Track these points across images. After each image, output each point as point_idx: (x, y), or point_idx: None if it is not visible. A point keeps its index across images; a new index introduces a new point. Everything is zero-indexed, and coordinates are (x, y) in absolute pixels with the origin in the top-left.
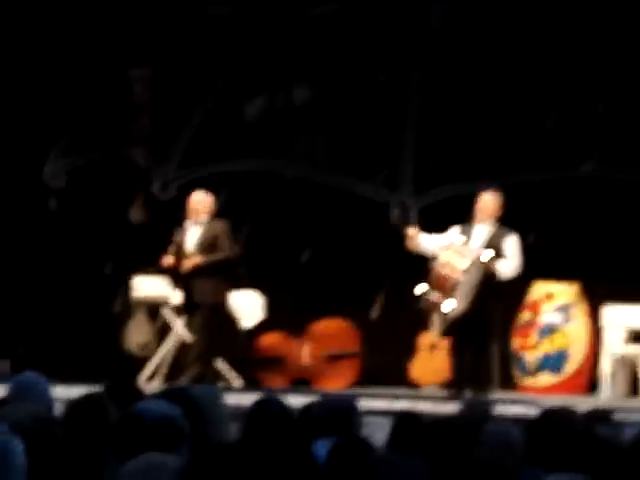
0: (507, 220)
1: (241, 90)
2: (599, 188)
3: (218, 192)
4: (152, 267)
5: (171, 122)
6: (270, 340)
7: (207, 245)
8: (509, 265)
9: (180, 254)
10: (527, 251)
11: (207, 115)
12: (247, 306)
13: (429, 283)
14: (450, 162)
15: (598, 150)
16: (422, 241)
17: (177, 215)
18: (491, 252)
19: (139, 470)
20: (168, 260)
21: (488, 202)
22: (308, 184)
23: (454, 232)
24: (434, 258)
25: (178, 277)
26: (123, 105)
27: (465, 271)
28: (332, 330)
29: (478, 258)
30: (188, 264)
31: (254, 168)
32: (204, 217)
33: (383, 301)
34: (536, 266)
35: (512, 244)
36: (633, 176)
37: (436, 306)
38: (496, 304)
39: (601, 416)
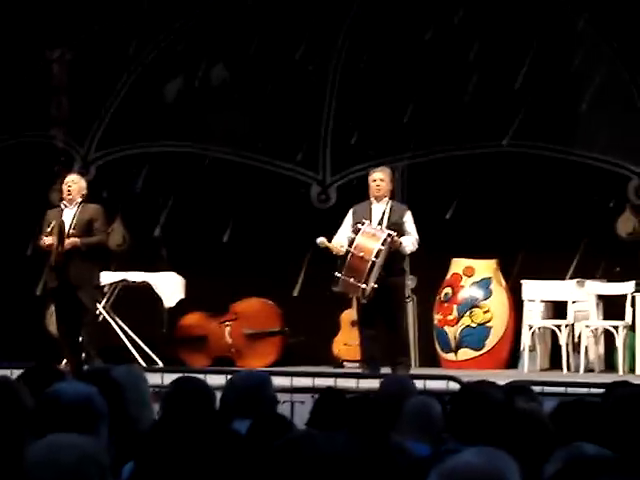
0: (425, 195)
1: (159, 70)
2: (515, 164)
3: (138, 173)
4: (29, 249)
5: (90, 103)
6: (192, 320)
7: (83, 227)
8: (411, 239)
9: (59, 235)
10: (446, 227)
11: (126, 96)
12: (168, 286)
13: (346, 268)
14: (369, 139)
15: (515, 126)
16: (338, 241)
17: (98, 195)
18: (394, 232)
19: (45, 450)
20: (49, 241)
21: (382, 179)
22: (228, 164)
23: (350, 215)
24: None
25: (54, 258)
26: (41, 86)
27: (378, 252)
28: (254, 309)
29: (387, 238)
30: (67, 244)
31: (174, 149)
32: (78, 200)
33: (304, 279)
34: (454, 242)
35: (410, 219)
36: (549, 151)
37: (354, 289)
38: (402, 278)
39: (520, 389)
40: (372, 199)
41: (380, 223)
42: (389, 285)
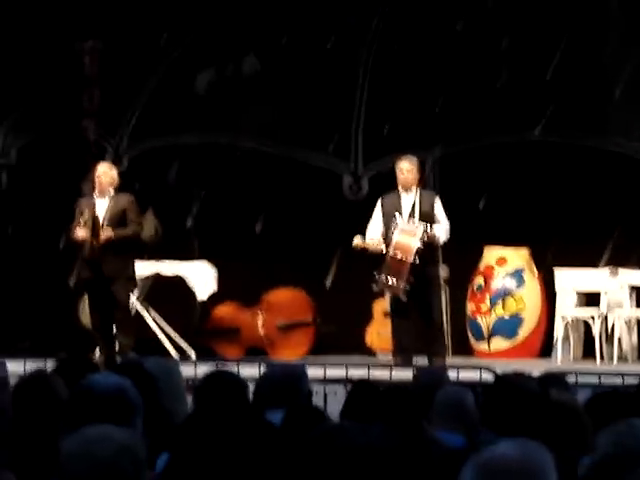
0: (458, 186)
1: (191, 62)
2: (547, 153)
3: (170, 164)
4: (62, 241)
5: (121, 95)
6: (224, 311)
7: (116, 218)
8: (444, 228)
9: (93, 227)
10: (478, 216)
11: (157, 87)
12: (200, 278)
13: (386, 269)
14: (401, 130)
15: (547, 115)
16: (372, 237)
17: (130, 187)
18: (427, 225)
19: (80, 442)
20: (82, 233)
21: (409, 169)
22: (260, 155)
23: (381, 205)
24: (388, 242)
25: (86, 250)
26: (73, 78)
27: (417, 251)
28: (286, 300)
29: (424, 232)
30: (102, 237)
31: (206, 140)
32: (110, 190)
33: (336, 270)
34: (487, 231)
35: (440, 207)
36: (580, 141)
37: (395, 289)
38: (437, 268)
39: (555, 380)
40: (400, 189)
41: (412, 215)
42: (425, 276)
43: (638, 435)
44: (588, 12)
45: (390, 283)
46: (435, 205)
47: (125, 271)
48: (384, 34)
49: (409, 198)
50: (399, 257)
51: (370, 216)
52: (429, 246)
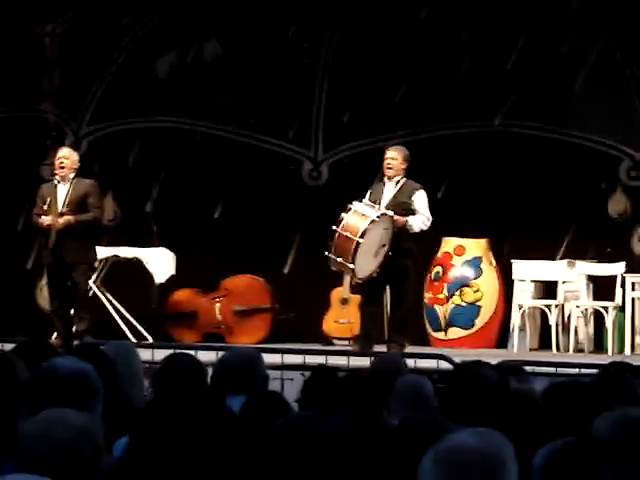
0: (417, 174)
1: (152, 46)
2: (507, 143)
3: (130, 148)
4: (20, 224)
5: (82, 77)
6: (182, 295)
7: (76, 204)
8: (419, 219)
9: (49, 211)
10: (437, 206)
11: (118, 70)
12: (159, 262)
13: (334, 247)
14: (361, 117)
15: (507, 106)
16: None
17: (89, 170)
18: (391, 212)
19: (40, 425)
20: (48, 220)
21: (393, 158)
22: (220, 140)
23: (369, 193)
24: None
25: (46, 235)
26: (33, 61)
27: (365, 231)
28: (244, 285)
29: (382, 216)
30: (61, 222)
31: (166, 124)
32: (70, 175)
33: (295, 256)
34: (446, 221)
35: (420, 198)
36: (540, 131)
37: (345, 268)
38: (409, 259)
39: (512, 369)
40: (385, 178)
41: (391, 203)
42: (396, 265)
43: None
44: (549, 4)
45: (339, 261)
46: (414, 197)
47: (85, 257)
48: (346, 21)
49: (390, 187)
50: (345, 235)
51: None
52: (400, 236)
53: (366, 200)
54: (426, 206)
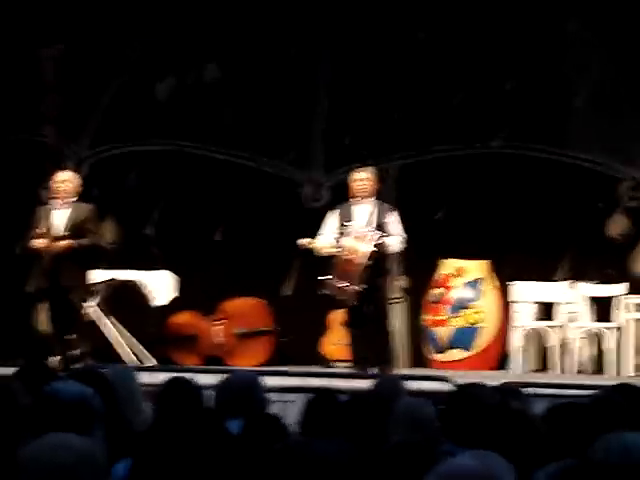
0: (417, 196)
1: (152, 69)
2: (506, 165)
3: (130, 171)
4: (18, 248)
5: (81, 101)
6: (183, 318)
7: (75, 228)
8: (397, 239)
9: (47, 235)
10: (437, 228)
11: (118, 94)
12: (160, 285)
13: (335, 270)
14: (362, 139)
15: (506, 127)
16: (321, 243)
17: (89, 193)
18: (380, 233)
19: (42, 450)
20: (38, 244)
21: (366, 180)
22: (221, 163)
23: (334, 215)
24: (338, 247)
25: (43, 259)
26: (33, 84)
27: (371, 255)
28: (245, 308)
29: (377, 238)
30: (59, 246)
31: (166, 147)
32: (71, 199)
33: (295, 279)
34: (446, 243)
35: (396, 219)
36: (540, 153)
37: (343, 292)
38: (386, 280)
39: (512, 391)
40: (354, 199)
41: (369, 224)
42: (374, 285)
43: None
44: (549, 25)
45: (340, 286)
46: (391, 217)
47: (81, 280)
48: (345, 42)
49: (365, 208)
50: (350, 260)
51: None
52: (380, 256)
53: (332, 220)
54: (401, 226)
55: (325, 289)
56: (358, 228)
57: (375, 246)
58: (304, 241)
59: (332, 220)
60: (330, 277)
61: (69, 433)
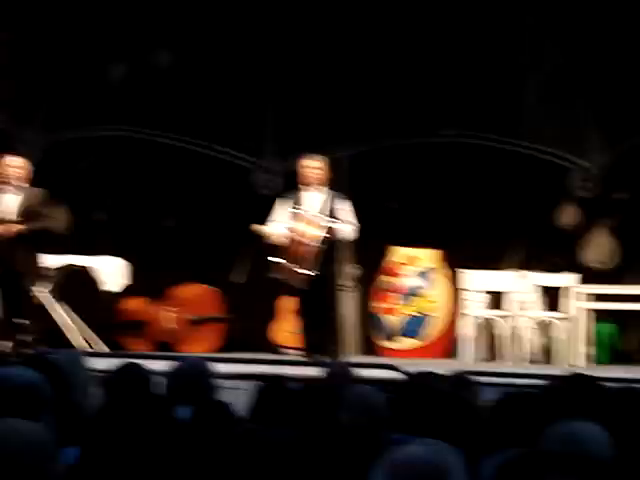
0: (370, 185)
1: (105, 54)
2: (457, 154)
3: (82, 156)
4: None
5: (34, 86)
6: (133, 304)
7: (28, 213)
8: (348, 228)
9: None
10: (389, 217)
11: (70, 79)
12: (111, 271)
13: (286, 254)
14: (314, 127)
15: (458, 117)
16: (272, 229)
17: (46, 179)
18: (332, 219)
19: None
20: None
21: (318, 168)
22: (172, 149)
23: (284, 202)
24: (290, 231)
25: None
26: None
27: (319, 239)
28: (196, 295)
29: (327, 225)
30: (10, 231)
31: (118, 133)
32: (23, 184)
33: (247, 266)
34: (398, 231)
35: (349, 207)
36: (492, 142)
37: (293, 275)
38: (333, 267)
39: (462, 380)
40: (304, 186)
41: (321, 212)
42: (325, 272)
43: (582, 438)
44: (503, 15)
45: (291, 269)
46: (343, 205)
47: (34, 265)
48: (297, 33)
49: (317, 196)
50: (301, 243)
51: None
52: (331, 242)
53: (281, 208)
54: (354, 215)
55: (276, 273)
56: (310, 214)
57: (326, 232)
58: (255, 227)
59: (282, 207)
60: (281, 260)
61: (17, 418)
